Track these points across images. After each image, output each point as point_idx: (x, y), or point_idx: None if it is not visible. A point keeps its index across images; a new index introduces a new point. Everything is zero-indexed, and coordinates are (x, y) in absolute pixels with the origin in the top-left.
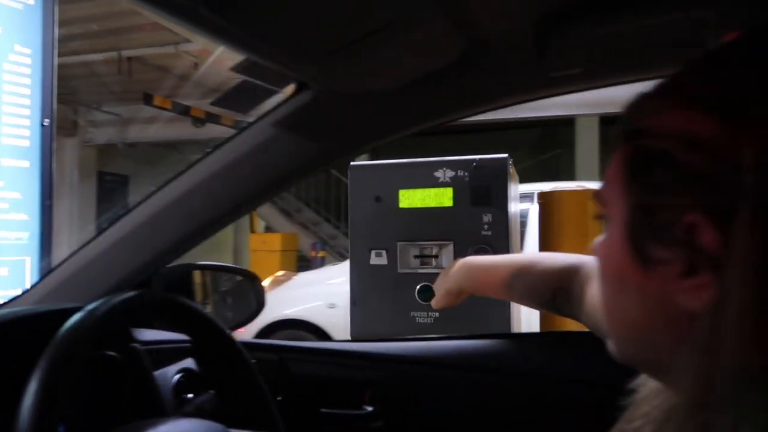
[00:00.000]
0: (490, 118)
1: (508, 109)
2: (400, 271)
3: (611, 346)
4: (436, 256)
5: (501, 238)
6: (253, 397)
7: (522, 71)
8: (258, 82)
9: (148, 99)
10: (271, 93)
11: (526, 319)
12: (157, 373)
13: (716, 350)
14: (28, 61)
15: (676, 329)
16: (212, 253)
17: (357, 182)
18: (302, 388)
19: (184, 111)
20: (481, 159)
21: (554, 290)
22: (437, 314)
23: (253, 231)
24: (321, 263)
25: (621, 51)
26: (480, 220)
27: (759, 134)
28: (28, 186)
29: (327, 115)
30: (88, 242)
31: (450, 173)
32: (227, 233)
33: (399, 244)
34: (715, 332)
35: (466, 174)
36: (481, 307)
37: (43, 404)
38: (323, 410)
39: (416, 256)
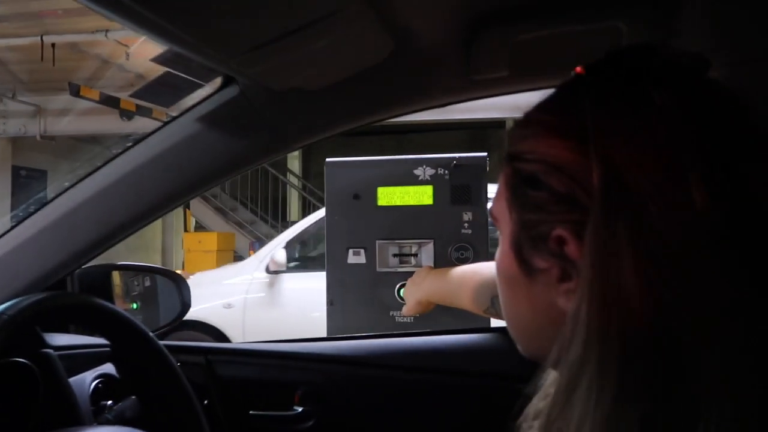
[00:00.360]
0: (421, 118)
1: (439, 110)
2: (378, 270)
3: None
4: (415, 255)
5: (481, 237)
6: (177, 401)
7: (449, 73)
8: (182, 74)
9: (74, 89)
10: (196, 86)
11: None
12: (72, 379)
13: (572, 344)
14: None
15: (558, 327)
16: (138, 252)
17: (333, 179)
18: (230, 390)
19: (113, 103)
20: (460, 157)
21: (493, 297)
22: None
23: (186, 230)
24: None
25: (542, 56)
26: (460, 218)
27: (603, 158)
28: None
29: (254, 111)
30: None
31: (430, 171)
32: (155, 232)
33: (378, 242)
34: (572, 328)
35: (446, 172)
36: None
37: None
38: (252, 412)
39: (395, 255)
